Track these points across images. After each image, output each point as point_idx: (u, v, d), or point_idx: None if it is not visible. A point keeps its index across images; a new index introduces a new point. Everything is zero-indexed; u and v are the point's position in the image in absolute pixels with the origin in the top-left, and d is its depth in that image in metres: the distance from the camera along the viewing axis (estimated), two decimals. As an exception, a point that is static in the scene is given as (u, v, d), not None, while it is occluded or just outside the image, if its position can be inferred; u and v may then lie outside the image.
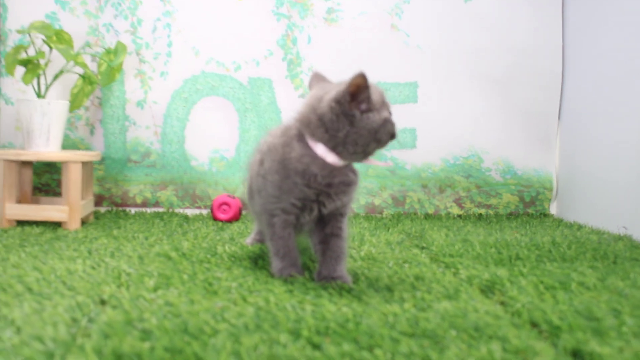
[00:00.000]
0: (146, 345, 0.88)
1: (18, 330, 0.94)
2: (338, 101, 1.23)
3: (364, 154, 1.27)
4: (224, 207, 2.24)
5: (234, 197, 2.25)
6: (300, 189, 1.27)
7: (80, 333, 0.94)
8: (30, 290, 1.20)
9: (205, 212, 2.45)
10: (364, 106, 1.24)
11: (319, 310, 1.07)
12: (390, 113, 1.29)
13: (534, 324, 1.06)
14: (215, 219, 2.25)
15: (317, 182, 1.26)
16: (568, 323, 1.03)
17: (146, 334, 0.93)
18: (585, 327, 1.02)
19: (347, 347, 0.88)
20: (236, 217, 2.25)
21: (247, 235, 1.91)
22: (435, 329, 0.98)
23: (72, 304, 1.09)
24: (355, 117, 1.23)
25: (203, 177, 2.45)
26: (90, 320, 1.00)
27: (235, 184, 2.45)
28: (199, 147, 2.45)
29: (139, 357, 0.84)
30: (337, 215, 1.35)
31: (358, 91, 1.22)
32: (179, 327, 0.96)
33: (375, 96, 1.25)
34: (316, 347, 0.89)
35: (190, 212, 2.45)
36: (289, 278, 1.31)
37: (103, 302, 1.12)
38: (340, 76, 2.41)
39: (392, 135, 1.28)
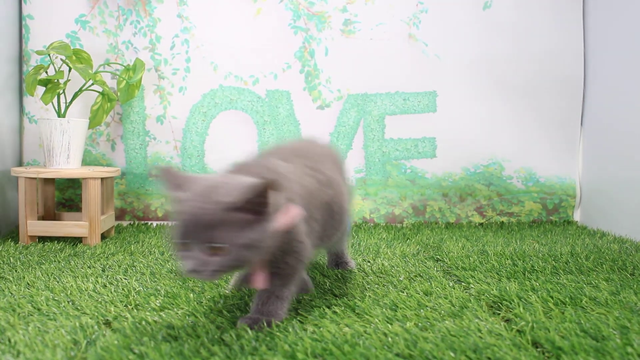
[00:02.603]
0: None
1: (18, 354, 0.96)
2: None
3: None
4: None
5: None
6: None
7: (79, 357, 0.96)
8: (39, 310, 1.22)
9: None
10: None
11: (319, 331, 1.07)
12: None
13: (536, 344, 1.04)
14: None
15: None
16: (571, 343, 1.01)
17: (142, 358, 0.94)
18: (588, 347, 1.00)
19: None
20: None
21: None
22: (433, 350, 0.98)
23: (76, 325, 1.10)
24: None
25: (223, 190, 2.46)
26: (90, 343, 1.02)
27: (254, 196, 2.46)
28: (218, 161, 2.46)
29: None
30: None
31: None
32: (175, 350, 0.97)
33: None
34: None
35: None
36: (297, 295, 1.31)
37: (108, 323, 1.14)
38: (358, 87, 2.42)
39: None
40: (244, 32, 2.46)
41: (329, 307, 1.24)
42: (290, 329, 1.08)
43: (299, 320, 1.15)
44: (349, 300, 1.29)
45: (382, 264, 1.68)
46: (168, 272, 1.57)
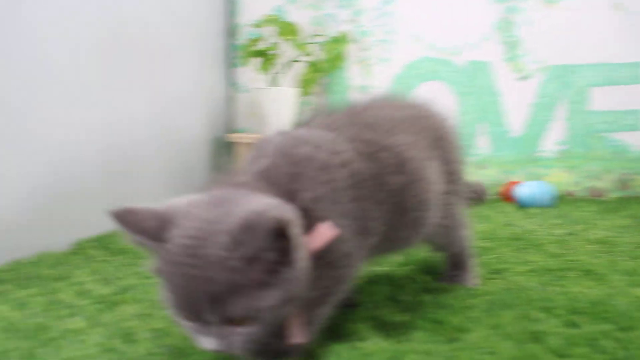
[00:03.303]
0: (408, 316, 0.96)
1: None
2: None
3: None
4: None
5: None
6: None
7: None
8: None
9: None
10: None
11: (564, 291, 1.10)
12: None
13: None
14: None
15: None
16: None
17: (406, 307, 1.01)
18: None
19: (604, 326, 0.90)
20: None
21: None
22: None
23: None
24: None
25: (421, 160, 2.52)
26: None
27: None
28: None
29: (406, 325, 0.92)
30: None
31: None
32: (435, 301, 1.03)
33: None
34: (571, 324, 0.92)
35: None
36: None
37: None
38: (561, 58, 2.37)
39: None
40: (446, 2, 2.49)
41: (561, 270, 1.25)
42: (536, 288, 1.11)
43: (539, 282, 1.17)
44: (579, 265, 1.30)
45: (598, 234, 1.65)
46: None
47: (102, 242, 1.58)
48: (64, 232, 1.57)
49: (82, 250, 1.52)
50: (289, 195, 0.78)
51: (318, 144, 0.85)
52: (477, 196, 1.37)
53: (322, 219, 0.79)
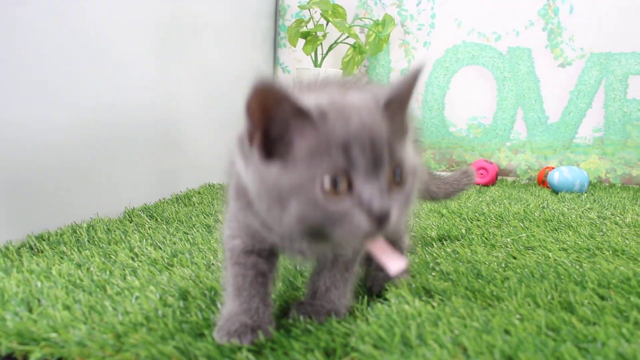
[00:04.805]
0: (447, 284, 1.02)
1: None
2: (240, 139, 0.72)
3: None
4: (482, 171, 2.35)
5: (490, 162, 2.35)
6: None
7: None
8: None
9: (459, 176, 2.57)
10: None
11: (596, 267, 1.15)
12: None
13: None
14: (471, 182, 2.37)
15: None
16: None
17: (445, 275, 1.08)
18: None
19: (633, 299, 0.96)
20: (492, 181, 2.35)
21: (505, 198, 2.00)
22: None
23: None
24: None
25: (460, 143, 2.57)
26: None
27: (491, 149, 2.54)
28: (457, 114, 2.57)
29: (444, 292, 0.99)
30: None
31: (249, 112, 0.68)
32: (472, 272, 1.09)
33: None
34: (602, 298, 0.98)
35: (446, 175, 2.59)
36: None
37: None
38: (602, 46, 2.40)
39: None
40: (489, -11, 2.53)
41: (592, 250, 1.31)
42: (569, 264, 1.17)
43: (574, 259, 1.23)
44: (610, 246, 1.35)
45: (634, 218, 1.70)
46: (430, 212, 1.70)
47: (148, 212, 1.66)
48: (115, 202, 1.66)
49: (131, 218, 1.61)
50: None
51: None
52: (467, 180, 1.41)
53: None
